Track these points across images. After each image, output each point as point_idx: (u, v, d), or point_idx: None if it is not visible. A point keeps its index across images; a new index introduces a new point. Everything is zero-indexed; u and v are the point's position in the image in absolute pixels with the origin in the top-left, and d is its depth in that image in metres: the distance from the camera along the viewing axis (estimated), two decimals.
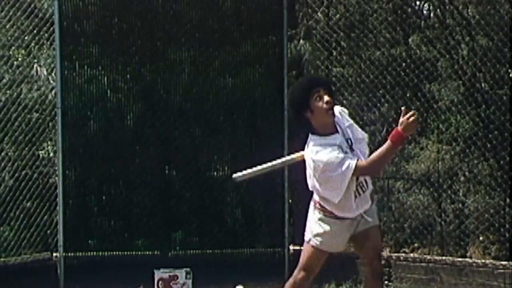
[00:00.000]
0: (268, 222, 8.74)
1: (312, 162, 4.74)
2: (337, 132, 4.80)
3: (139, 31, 8.50)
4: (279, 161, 5.43)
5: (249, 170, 5.38)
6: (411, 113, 4.64)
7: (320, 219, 4.90)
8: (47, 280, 7.87)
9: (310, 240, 4.95)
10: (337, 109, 4.90)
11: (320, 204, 4.89)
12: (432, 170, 8.75)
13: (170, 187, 8.63)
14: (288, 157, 5.41)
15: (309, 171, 4.85)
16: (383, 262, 7.93)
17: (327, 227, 4.89)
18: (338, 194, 4.71)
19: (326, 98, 4.73)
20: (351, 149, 4.77)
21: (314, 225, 4.93)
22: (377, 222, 5.03)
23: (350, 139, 4.80)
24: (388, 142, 4.68)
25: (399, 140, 4.67)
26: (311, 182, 4.84)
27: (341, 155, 4.66)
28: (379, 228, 5.10)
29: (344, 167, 4.62)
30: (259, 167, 5.36)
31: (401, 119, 4.66)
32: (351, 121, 4.94)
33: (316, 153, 4.71)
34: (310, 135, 4.86)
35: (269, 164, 5.35)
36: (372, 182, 5.07)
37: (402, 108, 4.79)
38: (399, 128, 4.65)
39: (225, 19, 8.61)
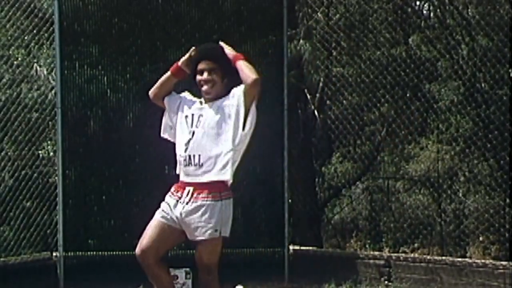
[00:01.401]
0: (268, 222, 8.74)
1: None
2: (206, 104, 4.88)
3: (139, 31, 8.50)
4: None
5: None
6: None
7: None
8: (47, 280, 7.86)
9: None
10: (238, 90, 4.82)
11: None
12: (432, 170, 8.77)
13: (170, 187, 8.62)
14: None
15: None
16: (382, 262, 7.96)
17: (163, 203, 4.96)
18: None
19: (204, 76, 4.89)
20: (196, 126, 4.83)
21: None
22: (205, 237, 4.76)
23: (202, 115, 4.85)
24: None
25: (173, 68, 5.08)
26: None
27: (185, 112, 4.92)
28: (210, 242, 4.81)
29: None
30: None
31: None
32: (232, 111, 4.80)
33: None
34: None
35: None
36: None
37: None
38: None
39: (225, 19, 8.61)
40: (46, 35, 8.19)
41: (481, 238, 8.57)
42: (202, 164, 4.76)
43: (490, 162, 8.16)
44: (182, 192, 4.83)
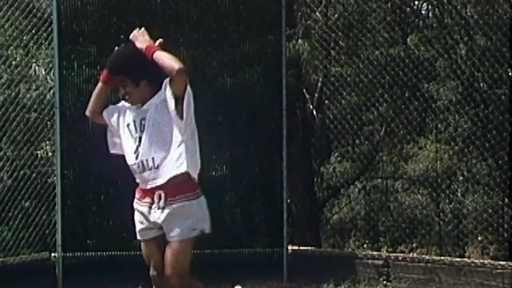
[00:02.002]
0: (267, 222, 8.73)
1: None
2: (143, 106, 4.71)
3: None
4: None
5: None
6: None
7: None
8: (46, 280, 7.86)
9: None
10: (167, 83, 4.62)
11: None
12: (430, 169, 8.77)
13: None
14: None
15: None
16: (381, 262, 7.96)
17: (136, 213, 4.83)
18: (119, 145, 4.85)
19: (120, 91, 4.80)
20: (141, 130, 4.69)
21: None
22: (182, 237, 4.64)
23: (144, 118, 4.68)
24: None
25: (103, 77, 4.85)
26: None
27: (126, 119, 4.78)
28: (184, 243, 4.66)
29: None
30: None
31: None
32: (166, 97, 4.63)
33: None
34: None
35: None
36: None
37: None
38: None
39: (223, 19, 8.60)
40: (44, 35, 8.18)
41: (479, 238, 8.58)
42: (158, 166, 4.62)
43: (489, 161, 8.17)
44: (152, 197, 4.68)
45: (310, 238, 9.21)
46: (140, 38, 4.72)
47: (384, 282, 7.88)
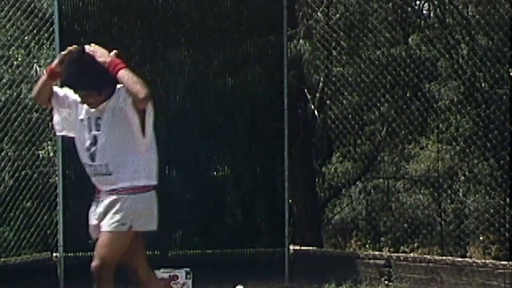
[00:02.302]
0: (268, 222, 8.74)
1: None
2: (98, 106, 4.64)
3: (139, 31, 8.50)
4: None
5: None
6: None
7: None
8: (47, 280, 7.86)
9: None
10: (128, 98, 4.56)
11: None
12: (432, 170, 8.77)
13: (170, 187, 8.61)
14: None
15: None
16: (382, 262, 7.95)
17: None
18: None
19: (83, 102, 4.69)
20: (97, 129, 4.65)
21: None
22: (108, 229, 4.65)
23: (100, 118, 4.63)
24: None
25: (48, 73, 4.75)
26: None
27: (79, 113, 4.72)
28: (108, 235, 4.67)
29: None
30: None
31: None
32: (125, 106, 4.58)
33: None
34: None
35: None
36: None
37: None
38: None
39: (225, 19, 8.61)
40: (46, 35, 8.18)
41: (481, 238, 8.57)
42: (111, 173, 4.63)
43: (490, 161, 8.16)
44: (100, 193, 4.75)
45: (311, 238, 9.21)
46: (99, 52, 4.65)
47: (386, 282, 7.88)
